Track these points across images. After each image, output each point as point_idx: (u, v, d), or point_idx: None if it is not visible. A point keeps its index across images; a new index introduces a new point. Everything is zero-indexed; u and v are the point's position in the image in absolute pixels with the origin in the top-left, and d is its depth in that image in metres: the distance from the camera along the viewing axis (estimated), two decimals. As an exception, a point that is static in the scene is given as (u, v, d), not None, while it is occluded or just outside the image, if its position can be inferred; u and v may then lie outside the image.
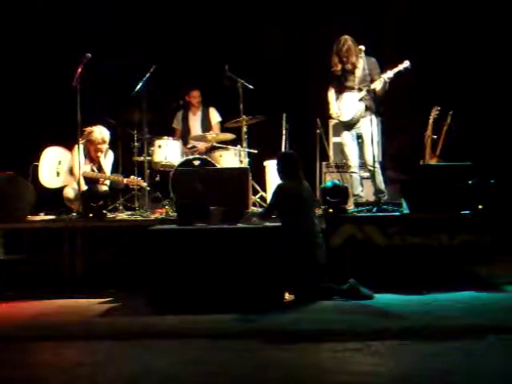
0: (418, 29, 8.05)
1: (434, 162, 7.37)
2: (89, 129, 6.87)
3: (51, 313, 5.13)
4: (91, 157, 7.02)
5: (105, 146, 6.99)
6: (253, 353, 3.96)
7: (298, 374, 3.55)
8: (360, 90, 6.65)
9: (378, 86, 6.55)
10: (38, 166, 6.95)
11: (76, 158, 6.61)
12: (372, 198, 6.74)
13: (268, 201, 7.18)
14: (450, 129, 7.50)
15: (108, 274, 5.97)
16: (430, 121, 7.51)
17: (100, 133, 6.92)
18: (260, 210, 6.56)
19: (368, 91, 6.57)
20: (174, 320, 4.73)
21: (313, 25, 8.36)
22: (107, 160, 7.08)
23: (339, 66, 6.68)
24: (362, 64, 6.64)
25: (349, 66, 6.64)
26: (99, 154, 6.98)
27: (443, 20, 8.07)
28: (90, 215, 6.18)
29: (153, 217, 6.61)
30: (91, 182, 6.90)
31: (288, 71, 8.46)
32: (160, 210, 6.96)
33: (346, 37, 6.67)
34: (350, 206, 6.55)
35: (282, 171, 5.70)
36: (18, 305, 5.47)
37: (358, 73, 6.67)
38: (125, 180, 6.88)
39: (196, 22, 8.50)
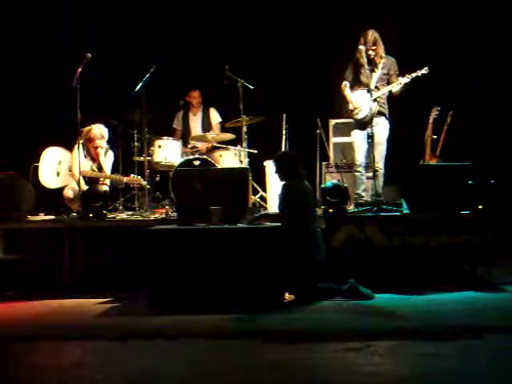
0: (417, 29, 8.05)
1: (433, 162, 7.38)
2: (87, 128, 6.88)
3: (51, 313, 5.13)
4: (91, 155, 7.02)
5: (104, 142, 6.99)
6: (253, 353, 3.96)
7: (298, 373, 3.54)
8: (376, 88, 6.63)
9: (395, 88, 6.55)
10: (38, 166, 6.96)
11: (76, 157, 6.61)
12: (370, 199, 6.73)
13: (268, 202, 7.22)
14: (449, 129, 7.50)
15: (108, 274, 5.96)
16: (430, 121, 7.51)
17: (98, 129, 6.96)
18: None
19: (368, 91, 6.56)
20: (174, 320, 4.73)
21: (313, 25, 8.36)
22: (107, 159, 7.08)
23: (365, 59, 6.62)
24: (382, 63, 6.65)
25: (378, 60, 6.62)
26: (99, 150, 6.97)
27: (443, 20, 8.07)
28: (90, 215, 6.18)
29: (153, 217, 6.61)
30: (91, 181, 6.90)
31: (288, 71, 8.45)
32: (160, 210, 6.96)
33: (373, 30, 6.68)
34: (350, 206, 6.55)
35: (282, 171, 5.68)
36: (18, 305, 5.47)
37: (379, 71, 6.67)
38: (125, 179, 6.88)
39: (196, 22, 8.50)
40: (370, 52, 6.62)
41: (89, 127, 6.90)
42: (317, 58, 8.25)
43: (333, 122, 7.82)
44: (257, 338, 4.18)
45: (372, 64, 6.65)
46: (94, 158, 7.02)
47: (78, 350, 4.09)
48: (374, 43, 6.63)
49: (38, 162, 6.98)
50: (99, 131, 6.94)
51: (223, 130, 7.82)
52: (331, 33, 8.11)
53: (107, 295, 5.65)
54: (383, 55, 6.68)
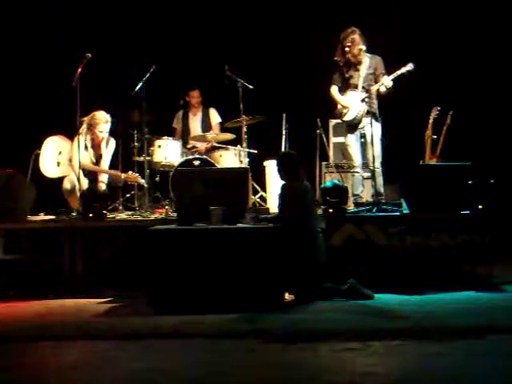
0: (418, 29, 8.06)
1: (433, 161, 7.37)
2: (89, 115, 6.82)
3: (51, 313, 5.13)
4: (94, 143, 6.93)
5: (108, 127, 6.91)
6: (253, 353, 3.96)
7: (298, 373, 3.54)
8: (364, 88, 6.56)
9: (380, 88, 6.50)
10: (39, 154, 6.90)
11: (75, 149, 6.59)
12: (371, 199, 6.73)
13: (268, 202, 7.22)
14: (449, 129, 7.50)
15: (108, 274, 5.97)
16: (430, 121, 7.51)
17: (101, 114, 6.90)
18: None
19: (367, 91, 6.55)
20: (174, 320, 4.72)
21: (313, 25, 8.36)
22: (109, 149, 7.02)
23: (342, 59, 6.57)
24: (366, 62, 6.57)
25: (352, 59, 6.50)
26: (103, 135, 6.89)
27: (443, 20, 8.07)
28: (90, 215, 6.18)
29: (153, 217, 6.61)
30: (90, 174, 6.88)
31: (288, 71, 8.46)
32: (160, 210, 6.96)
33: (354, 28, 6.55)
34: (350, 206, 6.54)
35: (283, 171, 5.68)
36: (18, 305, 5.47)
37: (363, 71, 6.59)
38: (122, 175, 6.87)
39: (196, 22, 8.51)
40: (346, 49, 6.50)
41: (91, 114, 6.86)
42: (317, 58, 8.24)
43: (333, 122, 7.82)
44: (257, 338, 4.18)
45: (354, 63, 6.56)
46: (96, 147, 6.96)
47: (77, 350, 4.10)
48: (352, 41, 6.49)
49: (40, 150, 6.92)
50: (103, 116, 6.89)
51: (223, 130, 7.82)
52: (331, 32, 8.10)
53: (107, 295, 5.66)
54: (359, 54, 6.49)
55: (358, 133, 6.72)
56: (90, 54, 6.43)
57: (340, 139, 7.75)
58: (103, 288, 5.81)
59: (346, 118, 6.71)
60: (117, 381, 3.56)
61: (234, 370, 3.64)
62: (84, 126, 6.82)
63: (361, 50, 6.50)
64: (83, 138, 6.77)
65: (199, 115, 8.12)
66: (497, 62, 7.97)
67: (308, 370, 3.60)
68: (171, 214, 6.53)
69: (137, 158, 7.27)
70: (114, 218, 6.53)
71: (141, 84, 7.14)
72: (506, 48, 7.94)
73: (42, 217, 6.67)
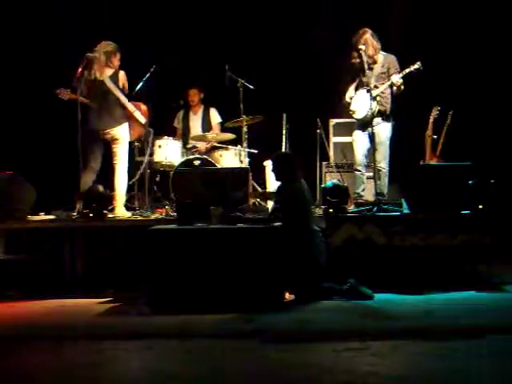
0: (418, 28, 8.05)
1: (434, 162, 7.37)
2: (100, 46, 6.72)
3: (51, 313, 5.14)
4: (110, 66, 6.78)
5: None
6: (253, 353, 3.96)
7: (298, 373, 3.54)
8: (376, 87, 6.54)
9: (393, 85, 6.47)
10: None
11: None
12: (372, 199, 6.72)
13: (268, 202, 7.23)
14: (449, 129, 7.50)
15: (108, 274, 5.97)
16: (430, 121, 7.51)
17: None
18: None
19: (368, 91, 6.52)
20: (174, 320, 4.73)
21: (314, 24, 8.36)
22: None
23: (357, 60, 6.53)
24: (380, 61, 6.55)
25: (368, 60, 6.44)
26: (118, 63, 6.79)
27: (443, 20, 8.07)
28: (90, 215, 6.18)
29: (153, 217, 6.61)
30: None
31: (288, 71, 8.45)
32: (160, 210, 6.96)
33: (366, 29, 6.53)
34: (350, 206, 6.53)
35: (279, 171, 5.68)
36: (18, 305, 5.47)
37: (376, 69, 6.57)
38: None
39: (196, 22, 8.51)
40: (361, 52, 6.43)
41: (101, 43, 6.76)
42: (317, 58, 8.25)
43: (333, 121, 7.82)
44: (256, 337, 4.18)
45: (369, 64, 6.51)
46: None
47: (77, 350, 4.10)
48: (365, 42, 6.46)
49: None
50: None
51: (223, 129, 7.83)
52: (331, 32, 8.11)
53: (107, 295, 5.66)
54: (375, 54, 6.51)
55: (366, 131, 6.64)
56: (90, 54, 6.42)
57: (340, 139, 7.76)
58: (103, 288, 5.81)
59: (357, 116, 6.67)
60: (117, 381, 3.56)
61: (234, 369, 3.65)
62: (102, 58, 6.66)
63: (376, 49, 6.51)
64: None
65: (200, 115, 8.12)
66: (497, 62, 7.96)
67: (308, 369, 3.60)
68: (171, 214, 6.53)
69: (138, 158, 7.27)
70: (113, 217, 6.53)
71: (141, 84, 7.14)
72: (505, 48, 7.93)
73: (42, 217, 6.67)
